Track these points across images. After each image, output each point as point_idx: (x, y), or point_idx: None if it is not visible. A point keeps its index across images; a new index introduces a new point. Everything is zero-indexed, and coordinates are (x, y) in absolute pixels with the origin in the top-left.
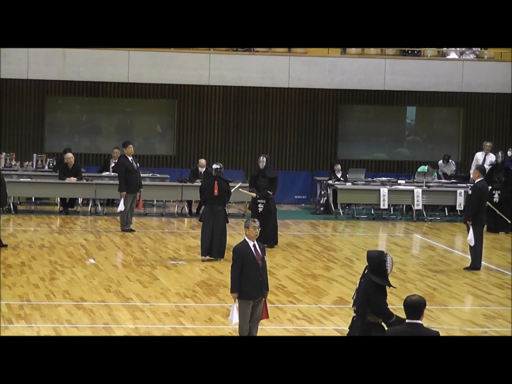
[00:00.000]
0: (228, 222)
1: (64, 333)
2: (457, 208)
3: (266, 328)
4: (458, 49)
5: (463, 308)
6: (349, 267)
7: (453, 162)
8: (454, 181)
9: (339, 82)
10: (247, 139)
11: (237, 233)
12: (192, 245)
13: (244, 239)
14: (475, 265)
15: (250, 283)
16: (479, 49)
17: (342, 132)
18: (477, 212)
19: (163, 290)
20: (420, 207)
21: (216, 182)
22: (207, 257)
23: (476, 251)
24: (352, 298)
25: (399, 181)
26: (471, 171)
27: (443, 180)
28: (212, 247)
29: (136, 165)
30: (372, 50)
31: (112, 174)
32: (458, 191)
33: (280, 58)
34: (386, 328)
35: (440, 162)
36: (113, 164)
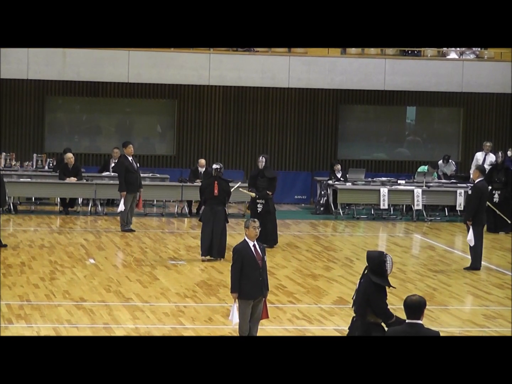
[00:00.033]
0: (228, 222)
1: (64, 333)
2: (457, 208)
3: (266, 328)
4: (458, 49)
5: (463, 308)
6: (349, 267)
7: (453, 162)
8: (454, 181)
9: (339, 82)
10: (247, 139)
11: (237, 233)
12: (192, 245)
13: (244, 239)
14: (475, 265)
15: (250, 283)
16: (479, 49)
17: (342, 132)
18: (477, 212)
19: (163, 290)
20: (420, 207)
21: (216, 182)
22: (207, 257)
23: (476, 251)
24: (352, 298)
25: (399, 181)
26: (471, 171)
27: (443, 180)
28: (212, 247)
29: (136, 165)
30: (372, 50)
31: (112, 174)
32: (458, 191)
33: (280, 58)
34: (386, 329)
35: (440, 162)
36: (113, 164)
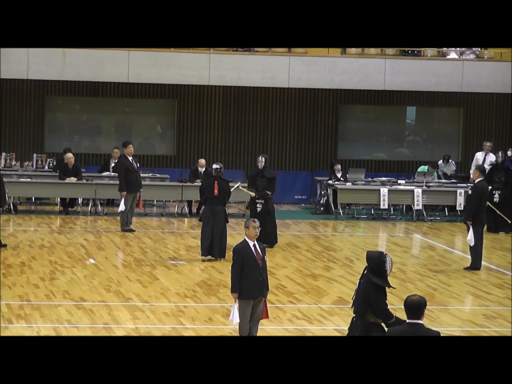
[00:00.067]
0: (228, 222)
1: (64, 333)
2: (457, 208)
3: (266, 328)
4: (458, 49)
5: (463, 308)
6: (349, 267)
7: (453, 162)
8: (454, 181)
9: (339, 82)
10: (247, 139)
11: (237, 233)
12: (192, 245)
13: (244, 239)
14: (475, 265)
15: (250, 283)
16: (479, 49)
17: (342, 132)
18: (477, 212)
19: (163, 290)
20: (420, 207)
21: (216, 182)
22: (207, 257)
23: (476, 251)
24: (352, 298)
25: (399, 181)
26: (471, 171)
27: (443, 180)
28: (213, 247)
29: (136, 165)
30: (372, 50)
31: (112, 174)
32: (458, 191)
33: (280, 58)
34: (385, 329)
35: (440, 162)
36: (113, 164)
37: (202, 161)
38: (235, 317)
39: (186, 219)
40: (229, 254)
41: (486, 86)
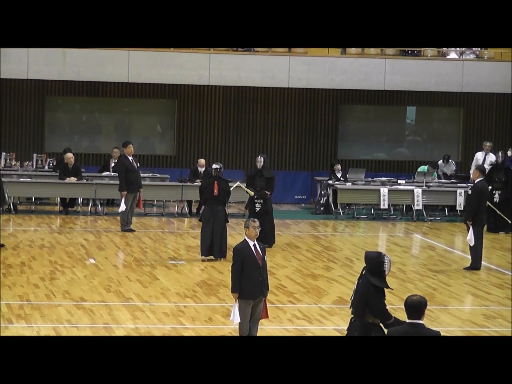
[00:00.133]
0: (228, 222)
1: (64, 333)
2: (457, 208)
3: (266, 328)
4: (458, 49)
5: (463, 308)
6: (349, 267)
7: (453, 162)
8: (454, 181)
9: (339, 82)
10: (247, 139)
11: (237, 233)
12: (192, 245)
13: (244, 239)
14: (475, 265)
15: (250, 283)
16: (479, 49)
17: (342, 132)
18: (477, 212)
19: (163, 290)
20: (420, 207)
21: (215, 182)
22: (207, 257)
23: (476, 251)
24: (350, 299)
25: (399, 181)
26: (471, 171)
27: (443, 180)
28: (213, 247)
29: (136, 164)
30: (372, 50)
31: (112, 174)
32: (458, 191)
33: (280, 58)
34: (384, 330)
35: (440, 162)
36: (113, 164)
37: (202, 161)
38: (236, 317)
39: (186, 219)
40: (229, 254)
41: (486, 86)
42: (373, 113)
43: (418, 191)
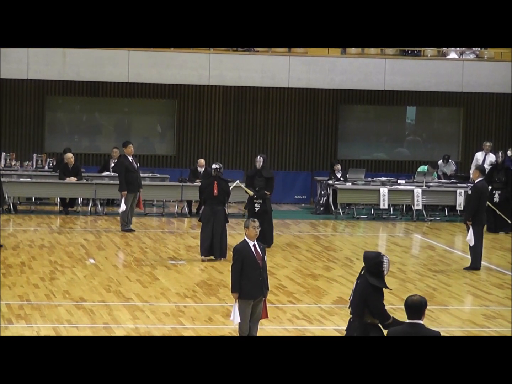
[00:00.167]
0: (228, 222)
1: (64, 333)
2: (457, 208)
3: (266, 328)
4: (458, 49)
5: (463, 308)
6: (349, 267)
7: (453, 162)
8: (454, 181)
9: (339, 82)
10: (247, 139)
11: (237, 233)
12: (192, 245)
13: (244, 239)
14: (475, 265)
15: (250, 283)
16: (479, 49)
17: (342, 132)
18: (477, 212)
19: (163, 290)
20: (420, 207)
21: (215, 182)
22: (208, 257)
23: (476, 251)
24: (349, 299)
25: (399, 181)
26: (471, 171)
27: (443, 180)
28: (213, 247)
29: (137, 164)
30: (372, 50)
31: (112, 174)
32: (458, 191)
33: (280, 58)
34: (382, 329)
35: (440, 162)
36: (112, 164)
37: (202, 161)
38: (236, 317)
39: (186, 219)
40: (229, 254)
41: (486, 86)
42: (373, 113)
43: (418, 191)
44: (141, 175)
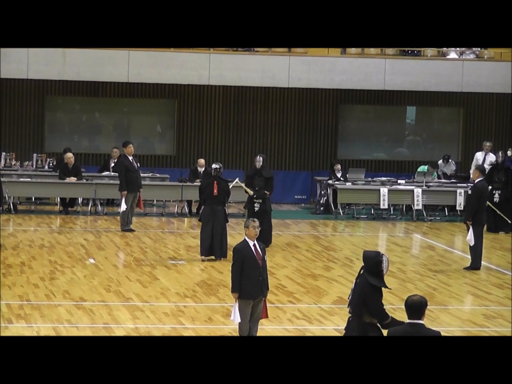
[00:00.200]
0: (228, 222)
1: (64, 333)
2: (457, 208)
3: (266, 328)
4: (458, 49)
5: (463, 308)
6: (349, 267)
7: (453, 162)
8: (454, 181)
9: (339, 82)
10: (247, 139)
11: (237, 233)
12: (192, 245)
13: (244, 239)
14: (475, 265)
15: (250, 283)
16: (479, 49)
17: (342, 132)
18: (477, 212)
19: (163, 290)
20: (420, 207)
21: (215, 182)
22: (208, 257)
23: (476, 251)
24: (348, 298)
25: (399, 181)
26: (471, 171)
27: (443, 180)
28: (213, 247)
29: (137, 164)
30: (372, 50)
31: (112, 174)
32: (458, 191)
33: (280, 58)
34: (381, 329)
35: (440, 162)
36: (112, 164)
37: (202, 161)
38: (236, 317)
39: (186, 219)
40: (229, 254)
41: (486, 86)
42: (373, 113)
43: (418, 191)
44: (141, 175)
